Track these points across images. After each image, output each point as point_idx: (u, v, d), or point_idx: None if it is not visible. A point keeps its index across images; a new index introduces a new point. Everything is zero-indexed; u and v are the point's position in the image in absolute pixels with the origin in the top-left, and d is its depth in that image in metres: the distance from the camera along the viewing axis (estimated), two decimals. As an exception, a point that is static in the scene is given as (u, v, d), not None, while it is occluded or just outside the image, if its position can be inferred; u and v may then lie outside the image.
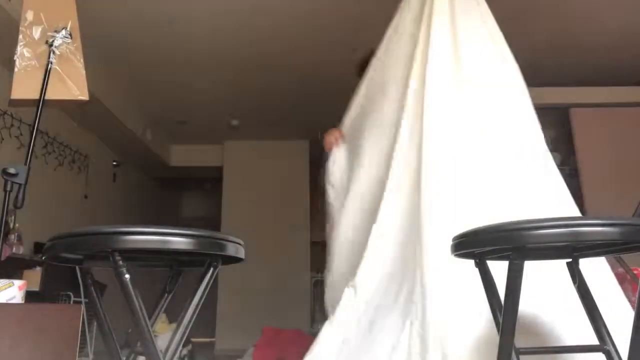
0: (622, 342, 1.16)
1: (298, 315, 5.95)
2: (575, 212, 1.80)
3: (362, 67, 2.54)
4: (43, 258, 1.15)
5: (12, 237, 3.74)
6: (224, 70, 4.71)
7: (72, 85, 1.90)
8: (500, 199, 1.75)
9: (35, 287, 3.41)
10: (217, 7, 3.70)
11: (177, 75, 4.84)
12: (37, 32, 1.91)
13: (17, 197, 1.67)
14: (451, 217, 1.72)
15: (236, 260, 1.19)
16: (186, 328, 1.09)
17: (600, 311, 1.24)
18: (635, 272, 2.19)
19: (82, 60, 1.95)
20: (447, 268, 1.61)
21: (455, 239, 1.21)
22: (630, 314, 1.45)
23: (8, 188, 1.66)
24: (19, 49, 1.87)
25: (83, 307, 1.45)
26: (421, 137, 1.90)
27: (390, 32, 2.37)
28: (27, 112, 3.10)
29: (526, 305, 1.50)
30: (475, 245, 1.16)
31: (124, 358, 1.22)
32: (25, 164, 1.73)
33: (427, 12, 2.13)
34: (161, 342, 1.02)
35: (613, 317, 1.31)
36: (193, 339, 4.57)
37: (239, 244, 1.19)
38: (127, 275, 1.04)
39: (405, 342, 1.64)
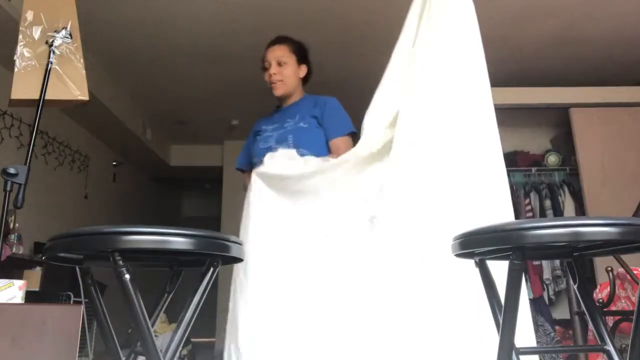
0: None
1: (298, 315, 5.93)
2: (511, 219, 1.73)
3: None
4: (43, 258, 1.15)
5: (12, 237, 3.74)
6: (224, 70, 4.71)
7: (72, 85, 1.90)
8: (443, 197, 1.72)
9: (35, 287, 3.41)
10: (218, 7, 3.70)
11: (178, 75, 4.84)
12: (37, 32, 1.90)
13: (17, 197, 1.67)
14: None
15: (236, 260, 1.20)
16: (186, 328, 1.09)
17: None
18: (635, 272, 2.19)
19: (82, 60, 1.95)
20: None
21: (455, 239, 1.21)
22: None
23: (8, 188, 1.66)
24: (19, 49, 1.87)
25: (83, 307, 1.45)
26: None
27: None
28: (27, 112, 3.10)
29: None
30: (475, 245, 1.15)
31: (124, 358, 1.22)
32: (25, 164, 1.73)
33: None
34: (161, 342, 1.02)
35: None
36: (193, 339, 4.57)
37: (239, 244, 1.19)
38: (127, 275, 1.04)
39: None
